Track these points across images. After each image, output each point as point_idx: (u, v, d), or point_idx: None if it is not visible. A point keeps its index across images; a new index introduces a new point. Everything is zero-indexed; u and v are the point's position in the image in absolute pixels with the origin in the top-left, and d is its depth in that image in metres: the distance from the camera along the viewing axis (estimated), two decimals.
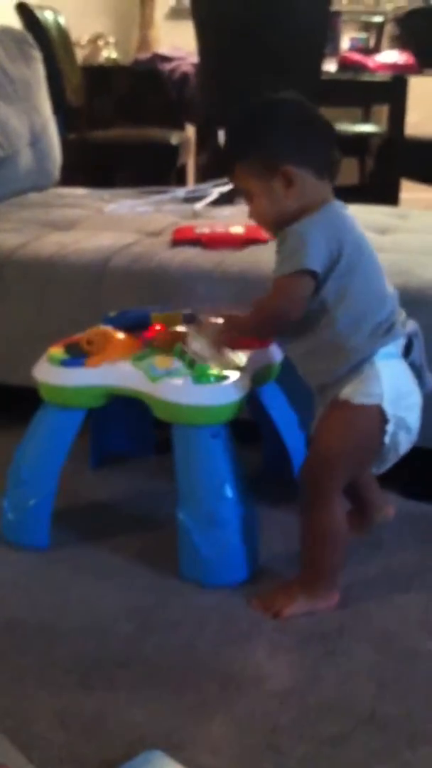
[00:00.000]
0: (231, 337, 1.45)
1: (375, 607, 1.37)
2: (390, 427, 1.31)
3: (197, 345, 1.43)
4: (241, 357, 1.46)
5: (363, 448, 1.35)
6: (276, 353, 1.54)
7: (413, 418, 1.34)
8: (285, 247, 1.32)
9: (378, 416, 1.30)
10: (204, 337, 1.45)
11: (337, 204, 1.36)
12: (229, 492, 1.39)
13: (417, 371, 1.36)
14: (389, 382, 1.30)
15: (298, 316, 1.31)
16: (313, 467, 1.33)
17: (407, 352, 1.35)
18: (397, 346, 1.33)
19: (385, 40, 4.18)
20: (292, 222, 1.32)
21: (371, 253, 1.36)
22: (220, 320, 1.48)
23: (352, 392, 1.31)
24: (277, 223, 1.35)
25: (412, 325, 1.36)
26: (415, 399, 1.35)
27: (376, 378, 1.30)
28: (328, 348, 1.33)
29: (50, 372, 1.47)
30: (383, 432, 1.31)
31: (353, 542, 1.47)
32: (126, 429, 1.80)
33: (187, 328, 1.50)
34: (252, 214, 1.39)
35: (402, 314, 1.37)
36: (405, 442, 1.35)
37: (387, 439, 1.32)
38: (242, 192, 1.39)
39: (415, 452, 1.41)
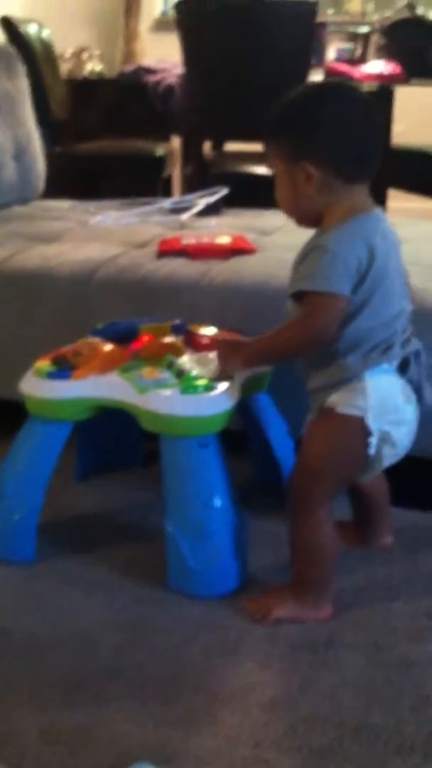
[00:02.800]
0: (235, 364, 1.41)
1: (363, 617, 1.36)
2: (373, 440, 1.31)
3: (198, 372, 1.42)
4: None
5: (348, 459, 1.35)
6: None
7: (400, 433, 1.34)
8: (314, 260, 1.29)
9: (361, 428, 1.31)
10: (204, 366, 1.44)
11: (373, 216, 1.32)
12: (217, 502, 1.38)
13: (415, 387, 1.36)
14: (375, 397, 1.30)
15: (331, 337, 1.29)
16: (300, 478, 1.33)
17: (405, 368, 1.34)
18: (391, 363, 1.33)
19: (371, 51, 4.19)
20: (315, 218, 1.32)
21: (396, 272, 1.33)
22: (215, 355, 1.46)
23: (338, 401, 1.32)
24: (298, 213, 1.35)
25: (414, 344, 1.36)
26: (403, 415, 1.34)
27: (362, 392, 1.30)
28: (324, 360, 1.33)
29: (36, 385, 1.46)
30: (367, 444, 1.31)
31: (342, 552, 1.47)
32: (112, 441, 1.79)
33: (188, 356, 1.48)
34: (276, 196, 1.37)
35: (407, 332, 1.36)
36: (390, 456, 1.36)
37: (372, 451, 1.32)
38: (271, 167, 1.38)
39: (404, 460, 1.41)
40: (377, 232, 1.31)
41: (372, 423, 1.30)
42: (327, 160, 1.29)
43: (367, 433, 1.31)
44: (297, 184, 1.31)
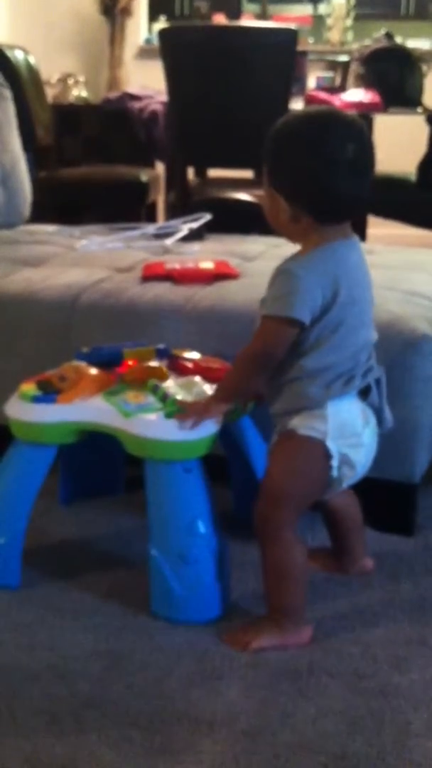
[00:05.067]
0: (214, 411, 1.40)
1: (345, 644, 1.37)
2: (335, 462, 1.33)
3: (182, 397, 1.42)
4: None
5: (309, 481, 1.36)
6: None
7: (358, 456, 1.36)
8: (278, 284, 1.31)
9: (321, 451, 1.33)
10: (189, 390, 1.44)
11: (346, 244, 1.33)
12: (201, 528, 1.39)
13: (376, 412, 1.39)
14: (334, 421, 1.32)
15: (279, 359, 1.33)
16: (263, 505, 1.35)
17: (366, 394, 1.36)
18: (352, 392, 1.35)
19: (350, 79, 4.25)
20: (299, 240, 1.33)
21: (363, 302, 1.34)
22: (199, 379, 1.47)
23: (299, 424, 1.34)
24: (283, 231, 1.35)
25: (376, 372, 1.38)
26: (363, 439, 1.36)
27: (322, 417, 1.33)
28: (287, 388, 1.35)
29: (21, 408, 1.46)
30: (328, 466, 1.33)
31: (322, 579, 1.48)
32: (96, 466, 1.79)
33: (172, 380, 1.48)
34: (263, 206, 1.38)
35: (371, 360, 1.38)
36: (349, 477, 1.38)
37: (335, 473, 1.34)
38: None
39: (384, 485, 1.42)
40: (349, 262, 1.32)
41: (331, 445, 1.32)
42: (295, 199, 1.29)
43: (328, 455, 1.33)
44: (277, 206, 1.32)
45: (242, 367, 1.38)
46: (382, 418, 1.40)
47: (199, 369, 1.52)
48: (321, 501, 1.46)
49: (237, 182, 3.38)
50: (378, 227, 3.68)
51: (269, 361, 1.34)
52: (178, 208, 3.22)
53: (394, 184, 3.68)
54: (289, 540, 1.34)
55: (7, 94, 2.64)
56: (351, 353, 1.33)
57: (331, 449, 1.32)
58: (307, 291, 1.27)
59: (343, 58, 4.44)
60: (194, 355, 1.58)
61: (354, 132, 1.28)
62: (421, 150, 3.53)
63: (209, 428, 1.38)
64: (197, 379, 1.48)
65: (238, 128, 3.04)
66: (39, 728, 1.18)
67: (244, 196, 3.10)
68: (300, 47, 3.41)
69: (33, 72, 3.72)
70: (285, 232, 1.35)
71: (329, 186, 1.27)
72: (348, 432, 1.34)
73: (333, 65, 4.56)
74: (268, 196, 1.33)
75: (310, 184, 1.27)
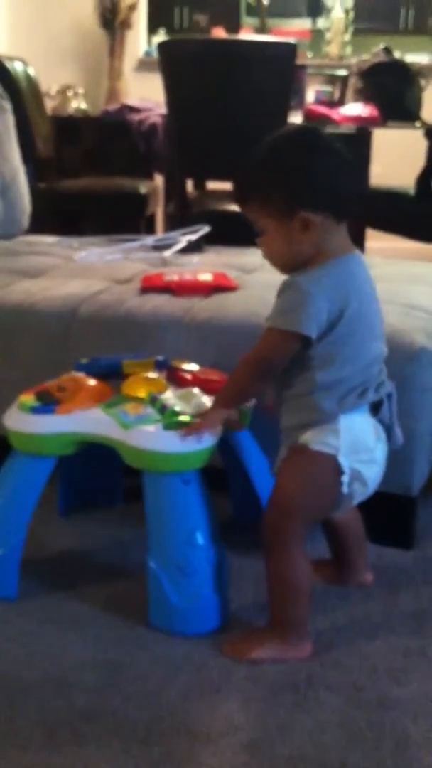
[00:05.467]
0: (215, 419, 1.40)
1: (344, 656, 1.36)
2: (346, 479, 1.33)
3: (180, 408, 1.42)
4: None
5: (320, 496, 1.36)
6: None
7: (370, 472, 1.36)
8: (286, 297, 1.30)
9: (333, 466, 1.32)
10: (188, 402, 1.44)
11: (352, 259, 1.34)
12: (200, 539, 1.39)
13: (386, 428, 1.38)
14: (347, 437, 1.32)
15: (279, 371, 1.33)
16: (273, 517, 1.34)
17: (377, 409, 1.36)
18: (365, 405, 1.34)
19: (349, 93, 4.27)
20: (304, 264, 1.31)
21: (372, 316, 1.35)
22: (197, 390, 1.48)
23: (311, 438, 1.33)
24: (290, 265, 1.34)
25: (387, 387, 1.38)
26: (374, 455, 1.36)
27: (335, 431, 1.32)
28: (299, 403, 1.34)
29: (20, 419, 1.46)
30: (339, 482, 1.33)
31: (321, 591, 1.48)
32: (95, 477, 1.79)
33: (171, 392, 1.48)
34: (264, 253, 1.37)
35: (383, 374, 1.38)
36: (360, 494, 1.37)
37: (345, 489, 1.34)
38: (255, 227, 1.35)
39: (382, 497, 1.42)
40: (357, 277, 1.33)
41: (344, 461, 1.32)
42: (324, 202, 1.29)
43: (339, 470, 1.32)
44: (290, 237, 1.30)
45: (242, 372, 1.37)
46: (393, 435, 1.39)
47: (197, 380, 1.53)
48: (329, 517, 1.45)
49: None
50: (376, 240, 3.70)
51: (269, 370, 1.34)
52: (177, 220, 3.22)
53: (392, 197, 3.69)
54: (297, 554, 1.33)
55: (7, 105, 2.65)
56: (363, 366, 1.33)
57: (343, 465, 1.32)
58: (315, 306, 1.27)
59: (342, 72, 4.46)
60: (193, 366, 1.59)
61: (326, 136, 1.37)
62: (420, 164, 3.55)
63: (207, 440, 1.38)
64: (196, 390, 1.48)
65: (236, 141, 3.04)
66: (36, 740, 1.18)
67: None
68: (299, 61, 3.43)
69: (32, 83, 3.74)
70: (298, 257, 1.32)
71: (338, 179, 1.30)
72: (361, 448, 1.33)
73: (332, 79, 4.57)
74: (278, 229, 1.31)
75: (324, 181, 1.29)
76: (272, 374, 1.35)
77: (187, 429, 1.37)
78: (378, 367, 1.37)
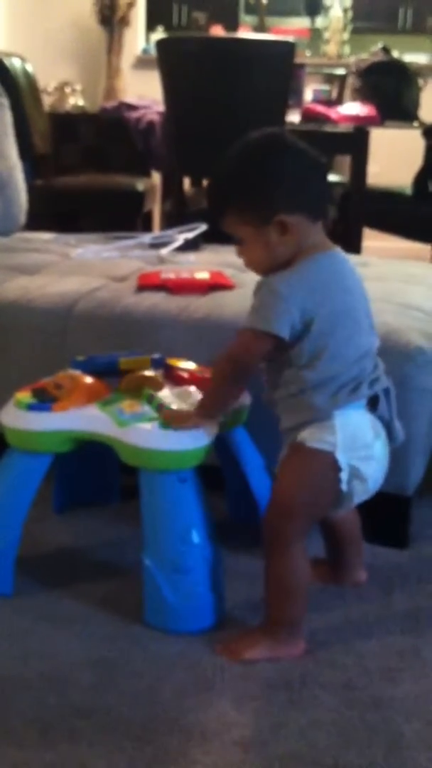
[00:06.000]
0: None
1: (338, 655, 1.37)
2: (344, 476, 1.32)
3: (177, 406, 1.42)
4: None
5: (319, 494, 1.36)
6: (244, 397, 1.55)
7: (370, 469, 1.35)
8: (258, 297, 1.32)
9: (331, 463, 1.32)
10: (184, 400, 1.44)
11: (331, 255, 1.35)
12: (195, 538, 1.39)
13: (386, 425, 1.38)
14: (344, 433, 1.32)
15: (254, 371, 1.35)
16: (272, 516, 1.34)
17: (374, 405, 1.36)
18: (359, 400, 1.34)
19: (347, 93, 4.27)
20: (284, 266, 1.32)
21: (357, 310, 1.35)
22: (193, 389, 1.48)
23: (309, 436, 1.33)
24: (271, 268, 1.34)
25: (384, 382, 1.38)
26: (373, 451, 1.35)
27: (331, 428, 1.32)
28: (293, 402, 1.35)
29: (16, 416, 1.46)
30: (338, 479, 1.33)
31: (316, 590, 1.48)
32: (91, 474, 1.79)
33: (167, 390, 1.48)
34: (245, 262, 1.38)
35: (378, 369, 1.38)
36: (361, 492, 1.37)
37: (344, 487, 1.33)
38: (233, 237, 1.37)
39: (377, 497, 1.43)
40: (337, 272, 1.34)
41: (341, 457, 1.32)
42: (298, 203, 1.31)
43: (337, 467, 1.32)
44: (269, 242, 1.32)
45: (217, 382, 1.39)
46: (393, 432, 1.39)
47: (194, 379, 1.53)
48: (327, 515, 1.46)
49: None
50: (373, 240, 3.70)
51: (243, 372, 1.35)
52: (174, 218, 3.22)
53: (390, 197, 3.69)
54: (297, 554, 1.33)
55: (5, 102, 2.65)
56: (353, 361, 1.33)
57: (340, 461, 1.32)
58: (285, 305, 1.28)
59: (340, 71, 4.46)
60: (189, 364, 1.59)
61: (295, 139, 1.36)
62: (417, 163, 3.55)
63: (203, 438, 1.38)
64: (192, 389, 1.48)
65: (234, 139, 3.05)
66: (30, 737, 1.18)
67: None
68: (297, 60, 3.42)
69: (30, 80, 3.73)
70: (278, 260, 1.33)
71: (309, 179, 1.33)
72: (359, 444, 1.33)
73: (330, 78, 4.57)
74: (256, 237, 1.32)
75: (296, 182, 1.31)
76: (247, 374, 1.35)
77: (172, 420, 1.37)
78: (371, 362, 1.37)
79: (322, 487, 1.35)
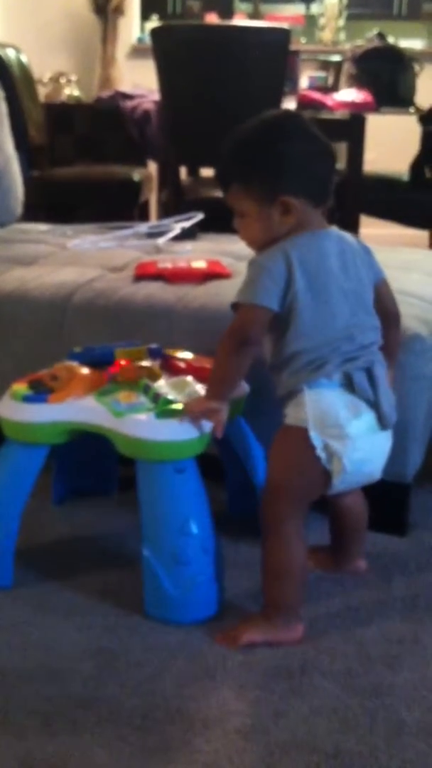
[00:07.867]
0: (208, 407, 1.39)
1: (338, 643, 1.37)
2: (321, 453, 1.33)
3: (174, 396, 1.42)
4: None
5: (303, 472, 1.36)
6: (242, 387, 1.54)
7: (347, 449, 1.33)
8: (247, 273, 1.36)
9: (306, 439, 1.34)
10: (180, 390, 1.44)
11: (321, 233, 1.37)
12: (194, 528, 1.38)
13: (373, 405, 1.36)
14: (313, 410, 1.34)
15: (253, 342, 1.36)
16: (265, 499, 1.36)
17: (350, 383, 1.35)
18: (329, 378, 1.34)
19: (343, 79, 4.25)
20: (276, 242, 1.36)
21: (334, 291, 1.35)
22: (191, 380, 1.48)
23: (288, 413, 1.38)
24: (266, 246, 1.38)
25: (362, 363, 1.35)
26: (347, 431, 1.33)
27: (302, 405, 1.34)
28: (272, 374, 1.40)
29: (13, 408, 1.46)
30: (317, 457, 1.33)
31: (316, 577, 1.48)
32: (90, 465, 1.79)
33: (164, 380, 1.48)
34: (241, 235, 1.42)
35: (362, 351, 1.36)
36: (351, 472, 1.34)
37: (326, 465, 1.33)
38: (234, 210, 1.40)
39: (376, 484, 1.43)
40: (316, 248, 1.35)
41: (313, 435, 1.33)
42: (304, 186, 1.35)
43: (311, 444, 1.33)
44: (270, 220, 1.35)
45: (220, 358, 1.39)
46: (382, 414, 1.37)
47: (191, 368, 1.52)
48: (332, 498, 1.46)
49: None
50: (370, 227, 3.68)
51: (241, 344, 1.35)
52: (171, 207, 3.22)
53: (386, 183, 3.68)
54: (290, 534, 1.34)
55: (0, 93, 2.64)
56: (324, 341, 1.34)
57: (312, 438, 1.33)
58: (269, 278, 1.32)
59: (336, 57, 4.43)
60: (187, 354, 1.58)
61: (310, 123, 1.40)
62: (414, 150, 3.54)
63: (201, 428, 1.38)
64: (189, 378, 1.48)
65: (230, 127, 3.04)
66: (32, 728, 1.18)
67: None
68: (292, 47, 3.41)
69: (25, 71, 3.71)
70: (270, 239, 1.37)
71: (318, 164, 1.37)
72: (330, 422, 1.33)
73: (325, 65, 4.54)
74: (258, 213, 1.36)
75: (304, 166, 1.35)
76: (246, 346, 1.35)
77: (192, 414, 1.37)
78: (351, 343, 1.35)
79: (303, 464, 1.35)
